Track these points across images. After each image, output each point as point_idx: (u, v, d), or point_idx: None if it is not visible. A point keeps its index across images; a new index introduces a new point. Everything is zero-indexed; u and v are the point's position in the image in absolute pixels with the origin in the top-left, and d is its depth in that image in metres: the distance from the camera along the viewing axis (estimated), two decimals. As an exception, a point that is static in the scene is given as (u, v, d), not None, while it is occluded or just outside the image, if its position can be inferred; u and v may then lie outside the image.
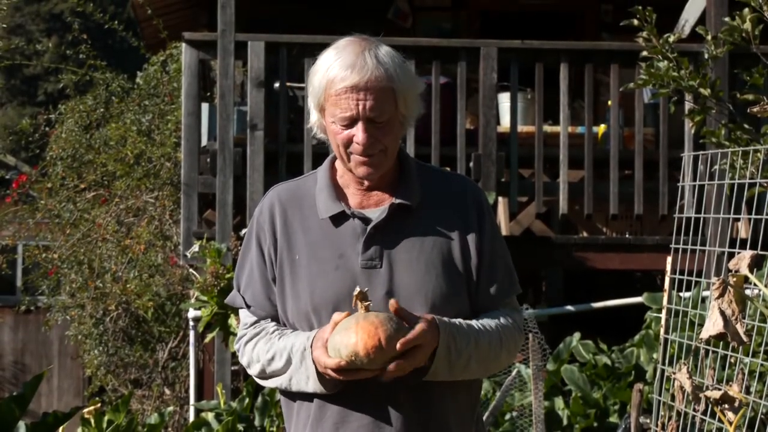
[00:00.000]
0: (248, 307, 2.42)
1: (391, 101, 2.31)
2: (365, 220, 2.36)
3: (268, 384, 2.41)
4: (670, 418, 3.30)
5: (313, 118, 2.39)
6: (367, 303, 2.19)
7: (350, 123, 2.30)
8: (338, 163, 2.43)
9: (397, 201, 2.36)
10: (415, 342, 2.18)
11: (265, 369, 2.36)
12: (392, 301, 2.21)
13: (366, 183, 2.39)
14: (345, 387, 2.27)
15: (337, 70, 2.29)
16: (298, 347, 2.29)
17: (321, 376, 2.25)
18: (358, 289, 2.20)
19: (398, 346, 2.16)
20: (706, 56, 4.14)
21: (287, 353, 2.31)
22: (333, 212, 2.37)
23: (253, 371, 2.41)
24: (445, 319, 2.27)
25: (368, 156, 2.32)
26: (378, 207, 2.38)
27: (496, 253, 2.40)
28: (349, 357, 2.15)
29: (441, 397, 2.32)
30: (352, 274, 2.30)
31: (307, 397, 2.34)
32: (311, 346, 2.25)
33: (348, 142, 2.32)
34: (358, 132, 2.29)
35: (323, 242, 2.36)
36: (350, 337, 2.15)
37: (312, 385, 2.28)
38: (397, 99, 2.32)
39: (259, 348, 2.37)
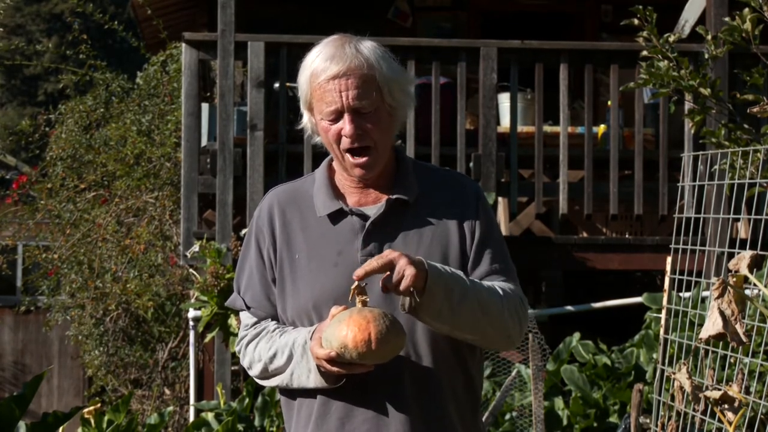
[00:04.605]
0: (248, 308, 2.44)
1: (375, 90, 2.32)
2: (363, 217, 2.38)
3: (269, 383, 2.41)
4: (669, 418, 3.30)
5: (305, 119, 2.42)
6: (364, 297, 2.21)
7: (337, 116, 2.32)
8: (336, 163, 2.45)
9: (395, 196, 2.38)
10: (369, 267, 2.17)
11: (267, 367, 2.37)
12: (358, 272, 2.20)
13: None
14: (347, 382, 2.28)
15: (318, 63, 2.33)
16: (299, 342, 2.31)
17: (321, 370, 2.26)
18: (356, 282, 2.21)
19: (356, 274, 2.17)
20: (706, 56, 4.14)
21: (289, 349, 2.32)
22: (331, 210, 2.39)
23: (254, 372, 2.42)
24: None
25: (358, 152, 2.33)
26: (376, 204, 2.40)
27: (490, 235, 2.41)
28: (339, 349, 2.17)
29: (443, 392, 2.34)
30: (351, 271, 2.30)
31: (308, 395, 2.35)
32: (311, 339, 2.27)
33: (338, 138, 2.34)
34: (345, 124, 2.32)
35: (322, 240, 2.38)
36: (342, 329, 2.16)
37: (313, 379, 2.29)
38: (381, 88, 2.33)
39: (260, 347, 2.38)
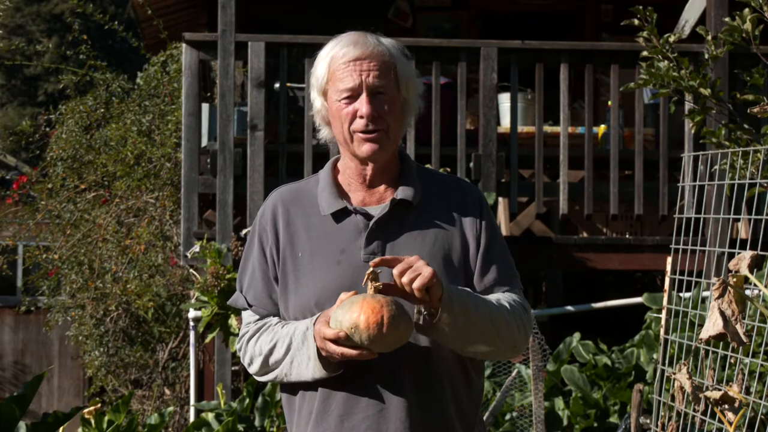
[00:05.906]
0: (250, 306, 2.45)
1: (393, 78, 2.36)
2: (367, 216, 2.39)
3: (268, 378, 2.41)
4: (670, 418, 3.30)
5: (317, 105, 2.42)
6: (377, 284, 2.21)
7: (354, 96, 2.34)
8: (341, 164, 2.46)
9: (399, 197, 2.39)
10: (394, 261, 2.19)
11: (268, 359, 2.37)
12: (375, 260, 2.22)
13: (368, 174, 2.41)
14: (347, 378, 2.28)
15: (338, 49, 2.36)
16: (300, 329, 2.32)
17: (321, 356, 2.26)
18: (371, 268, 2.21)
19: (376, 261, 2.20)
20: (706, 56, 4.14)
21: (289, 338, 2.33)
22: (335, 208, 2.40)
23: (254, 367, 2.42)
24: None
25: (372, 133, 2.34)
26: (380, 204, 2.42)
27: (495, 241, 2.42)
28: (349, 329, 2.17)
29: (444, 392, 2.34)
30: (353, 269, 2.32)
31: (309, 391, 2.36)
32: (314, 324, 2.27)
33: (352, 118, 2.34)
34: (362, 105, 2.33)
35: (325, 239, 2.39)
36: (354, 310, 2.17)
37: (312, 367, 2.29)
38: (399, 78, 2.37)
39: (261, 340, 2.39)
